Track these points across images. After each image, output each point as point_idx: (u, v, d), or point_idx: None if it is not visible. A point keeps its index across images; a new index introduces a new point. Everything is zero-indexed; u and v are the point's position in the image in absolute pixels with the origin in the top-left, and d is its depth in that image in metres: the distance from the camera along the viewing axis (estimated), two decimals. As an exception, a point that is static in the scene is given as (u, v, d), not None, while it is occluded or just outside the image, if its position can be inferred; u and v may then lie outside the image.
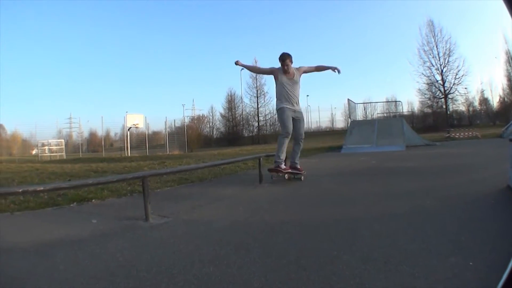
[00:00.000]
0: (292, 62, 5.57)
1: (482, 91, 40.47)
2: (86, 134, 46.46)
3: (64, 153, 31.67)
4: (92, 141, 46.24)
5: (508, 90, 38.16)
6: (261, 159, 6.14)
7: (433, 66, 38.19)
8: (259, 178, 5.67)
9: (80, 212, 4.05)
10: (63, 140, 37.15)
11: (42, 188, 3.34)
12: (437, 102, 39.13)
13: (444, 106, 38.45)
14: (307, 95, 45.25)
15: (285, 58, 5.49)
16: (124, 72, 69.12)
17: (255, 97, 44.45)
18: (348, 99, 20.29)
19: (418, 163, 7.73)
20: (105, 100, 65.89)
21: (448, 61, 37.37)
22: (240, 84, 57.42)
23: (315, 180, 5.97)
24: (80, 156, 27.57)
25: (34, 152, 41.44)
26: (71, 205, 4.39)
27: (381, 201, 3.82)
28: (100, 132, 41.97)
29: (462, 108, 39.80)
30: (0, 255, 2.33)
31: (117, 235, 3.02)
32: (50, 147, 32.23)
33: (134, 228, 3.16)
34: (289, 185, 5.52)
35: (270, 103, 43.55)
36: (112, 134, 47.20)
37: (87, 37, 67.92)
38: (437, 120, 37.22)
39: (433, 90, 38.81)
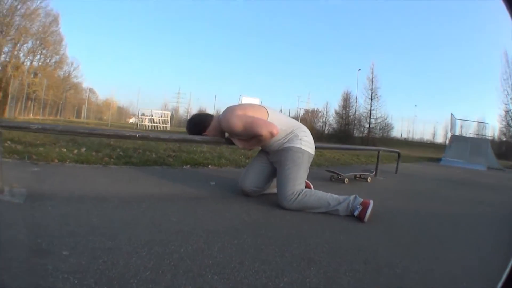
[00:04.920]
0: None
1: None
2: (194, 110, 48.39)
3: (168, 125, 31.65)
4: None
5: None
6: (379, 152, 6.54)
7: (508, 95, 37.32)
8: (375, 172, 5.76)
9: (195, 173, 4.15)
10: (169, 112, 37.42)
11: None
12: (510, 131, 38.49)
13: None
14: (415, 105, 42.96)
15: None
16: (245, 57, 72.72)
17: (369, 98, 43.50)
18: (451, 113, 21.11)
19: (494, 182, 8.48)
20: (221, 81, 69.27)
21: None
22: (356, 84, 58.08)
23: (424, 181, 6.81)
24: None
25: (131, 120, 43.57)
26: (184, 167, 4.52)
27: (473, 204, 4.38)
28: (211, 111, 43.04)
29: None
30: (94, 202, 2.31)
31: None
32: (152, 117, 31.65)
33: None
34: (403, 181, 6.19)
35: (383, 106, 43.43)
36: (222, 114, 49.05)
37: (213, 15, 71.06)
38: (507, 148, 36.24)
39: (507, 119, 38.16)
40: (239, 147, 2.94)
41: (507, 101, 37.81)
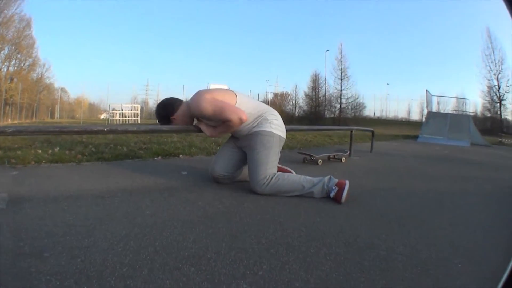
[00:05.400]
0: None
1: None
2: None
3: (139, 119, 31.75)
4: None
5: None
6: (352, 131, 6.74)
7: (491, 70, 38.45)
8: (349, 152, 5.86)
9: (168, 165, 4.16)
10: (139, 105, 37.33)
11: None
12: (494, 107, 39.42)
13: (498, 112, 38.58)
14: (387, 83, 43.60)
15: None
16: (209, 44, 72.97)
17: (339, 79, 44.32)
18: (426, 90, 21.22)
19: (481, 158, 8.46)
20: (188, 70, 68.29)
21: (501, 69, 37.64)
22: (325, 65, 60.13)
23: (401, 159, 6.85)
24: (157, 122, 28.30)
25: (102, 116, 43.45)
26: (155, 158, 4.53)
27: (457, 181, 4.42)
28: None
29: (510, 117, 39.44)
30: (69, 201, 2.30)
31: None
32: (122, 112, 31.69)
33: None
34: (379, 159, 6.23)
35: (353, 86, 44.44)
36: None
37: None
38: (493, 124, 37.33)
39: (491, 94, 39.21)
40: (207, 135, 2.94)
41: (490, 76, 38.68)
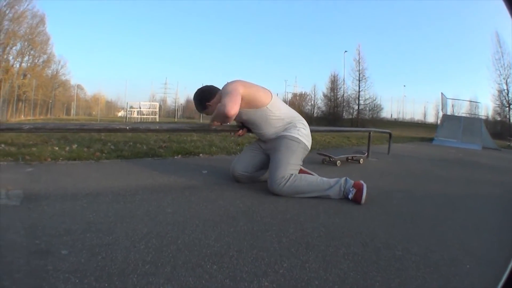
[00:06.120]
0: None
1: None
2: (182, 100, 48.09)
3: (157, 117, 31.32)
4: (189, 108, 48.05)
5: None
6: (371, 133, 6.60)
7: (501, 74, 37.76)
8: (367, 153, 5.87)
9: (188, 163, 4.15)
10: (157, 103, 36.99)
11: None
12: (504, 111, 38.72)
13: (507, 116, 38.03)
14: (404, 85, 43.38)
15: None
16: (230, 42, 72.31)
17: (357, 80, 43.60)
18: (441, 93, 21.12)
19: (490, 161, 8.49)
20: (208, 68, 68.67)
21: (510, 73, 36.98)
22: (343, 66, 59.66)
23: (417, 161, 6.83)
24: (175, 121, 28.35)
25: (120, 114, 43.56)
26: (175, 157, 4.51)
27: (469, 183, 4.49)
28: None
29: None
30: (88, 199, 2.29)
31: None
32: (140, 110, 31.44)
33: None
34: (396, 161, 6.21)
35: (371, 87, 44.15)
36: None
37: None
38: (502, 128, 36.65)
39: (501, 98, 38.40)
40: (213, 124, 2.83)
41: (500, 80, 38.21)
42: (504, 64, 37.03)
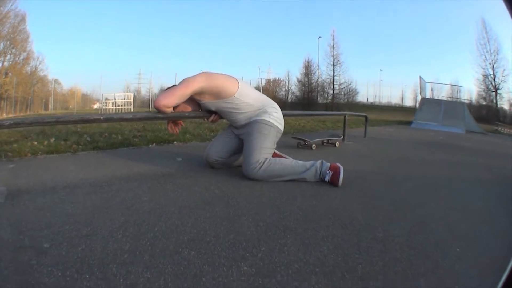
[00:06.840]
0: None
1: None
2: (156, 90, 47.42)
3: (132, 107, 31.72)
4: (163, 97, 47.14)
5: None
6: (346, 117, 6.62)
7: (487, 59, 38.24)
8: (342, 136, 5.89)
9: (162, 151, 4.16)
10: (132, 94, 37.01)
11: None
12: (489, 95, 39.38)
13: (494, 100, 38.62)
14: (380, 69, 43.54)
15: None
16: (202, 30, 70.95)
17: (331, 65, 43.95)
18: (420, 76, 21.48)
19: (475, 145, 8.66)
20: (179, 57, 67.64)
21: (497, 59, 37.41)
22: (317, 51, 60.07)
23: (395, 144, 6.99)
24: (150, 110, 28.18)
25: (95, 106, 43.36)
26: (150, 146, 4.52)
27: (452, 166, 4.50)
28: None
29: (506, 106, 39.25)
30: (66, 191, 2.28)
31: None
32: (115, 101, 31.54)
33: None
34: (373, 144, 6.30)
35: (346, 72, 44.43)
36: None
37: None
38: (488, 112, 37.19)
39: (487, 83, 39.08)
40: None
41: (485, 65, 38.53)
42: (490, 50, 37.45)
